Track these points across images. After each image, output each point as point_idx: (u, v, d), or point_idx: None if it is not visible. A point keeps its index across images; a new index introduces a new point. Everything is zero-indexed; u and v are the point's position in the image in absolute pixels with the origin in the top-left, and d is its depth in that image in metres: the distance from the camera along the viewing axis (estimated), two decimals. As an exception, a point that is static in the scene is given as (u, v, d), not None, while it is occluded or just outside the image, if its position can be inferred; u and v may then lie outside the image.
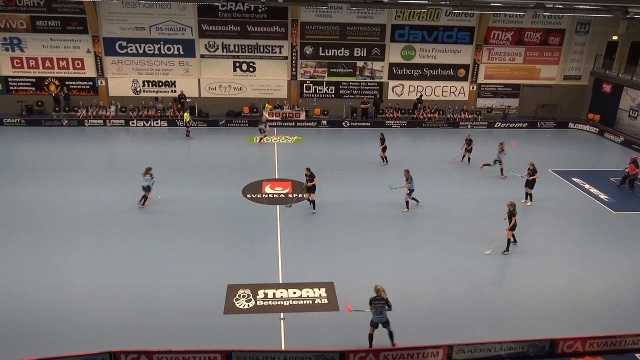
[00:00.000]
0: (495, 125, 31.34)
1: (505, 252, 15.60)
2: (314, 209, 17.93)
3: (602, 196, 20.55)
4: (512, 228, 15.50)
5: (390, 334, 10.98)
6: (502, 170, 21.98)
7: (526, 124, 31.70)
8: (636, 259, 15.75)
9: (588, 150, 25.98)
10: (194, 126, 27.75)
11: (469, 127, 30.96)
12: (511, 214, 15.34)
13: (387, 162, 23.43)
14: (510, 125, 31.50)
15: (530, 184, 19.12)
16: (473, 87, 32.46)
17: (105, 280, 13.46)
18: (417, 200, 18.71)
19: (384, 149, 23.27)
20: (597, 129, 30.86)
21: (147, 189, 17.70)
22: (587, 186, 21.45)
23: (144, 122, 29.06)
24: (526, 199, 19.38)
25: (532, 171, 18.95)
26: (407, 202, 18.45)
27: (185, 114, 27.62)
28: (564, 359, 11.15)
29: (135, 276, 13.75)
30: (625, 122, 29.86)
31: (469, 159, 23.91)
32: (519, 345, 11.07)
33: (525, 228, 17.20)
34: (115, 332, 11.46)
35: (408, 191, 18.26)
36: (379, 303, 10.68)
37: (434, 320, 12.24)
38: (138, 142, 26.75)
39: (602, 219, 18.60)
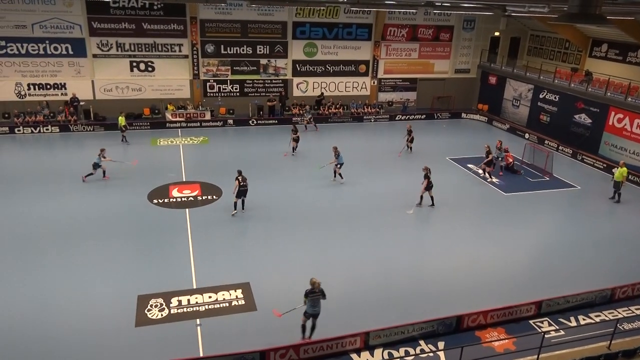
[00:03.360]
0: (397, 118, 32.83)
1: (418, 205, 18.74)
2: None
3: (494, 180, 22.35)
4: (427, 188, 18.38)
5: (313, 328, 11.24)
6: (501, 167, 23.30)
7: (424, 116, 33.58)
8: (523, 234, 17.38)
9: (479, 138, 28.05)
10: (126, 130, 25.85)
11: (372, 120, 32.18)
12: (425, 176, 18.31)
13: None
14: (410, 117, 33.16)
15: (489, 163, 22.18)
16: (374, 82, 33.69)
17: (-4, 305, 12.25)
18: (342, 177, 21.05)
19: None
20: (486, 118, 33.49)
21: (95, 165, 19.84)
22: (480, 171, 23.19)
23: (32, 128, 26.72)
24: (489, 174, 22.46)
25: (487, 153, 22.09)
26: (339, 174, 20.95)
27: (121, 117, 25.72)
28: (469, 332, 12.02)
29: (32, 297, 12.66)
30: (509, 110, 32.68)
31: (410, 148, 25.59)
32: (429, 325, 11.74)
33: (430, 214, 18.34)
34: (12, 360, 10.49)
35: (338, 165, 20.77)
36: (315, 295, 10.90)
37: (351, 309, 12.60)
38: (24, 151, 24.51)
39: (494, 201, 20.24)
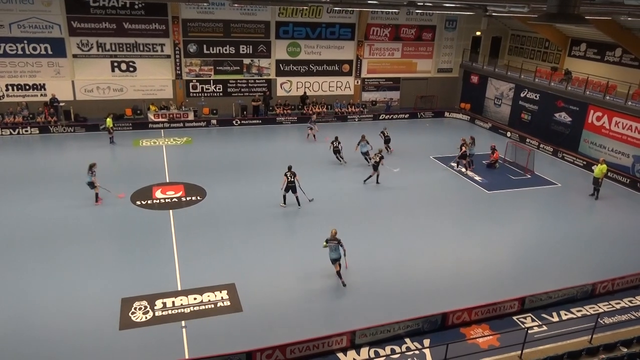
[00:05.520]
0: (380, 117, 32.97)
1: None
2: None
3: (477, 178, 22.59)
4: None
5: (338, 273, 13.38)
6: (471, 162, 23.70)
7: (407, 115, 33.78)
8: (506, 231, 17.61)
9: (462, 137, 28.27)
10: (113, 132, 25.49)
11: (356, 120, 32.27)
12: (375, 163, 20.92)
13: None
14: (394, 117, 33.33)
15: (463, 156, 23.08)
16: (357, 82, 33.78)
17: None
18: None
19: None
20: (469, 117, 33.83)
21: (90, 184, 17.91)
22: (463, 170, 23.41)
23: (11, 130, 26.22)
24: (465, 168, 23.29)
25: (462, 146, 23.04)
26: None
27: (108, 119, 25.32)
28: (454, 329, 12.14)
29: (14, 300, 12.43)
30: (491, 109, 33.05)
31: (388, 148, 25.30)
32: (414, 323, 11.82)
33: (412, 212, 18.46)
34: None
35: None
36: (333, 243, 13.13)
37: (337, 308, 12.63)
38: (3, 154, 23.99)
39: (478, 199, 20.46)
